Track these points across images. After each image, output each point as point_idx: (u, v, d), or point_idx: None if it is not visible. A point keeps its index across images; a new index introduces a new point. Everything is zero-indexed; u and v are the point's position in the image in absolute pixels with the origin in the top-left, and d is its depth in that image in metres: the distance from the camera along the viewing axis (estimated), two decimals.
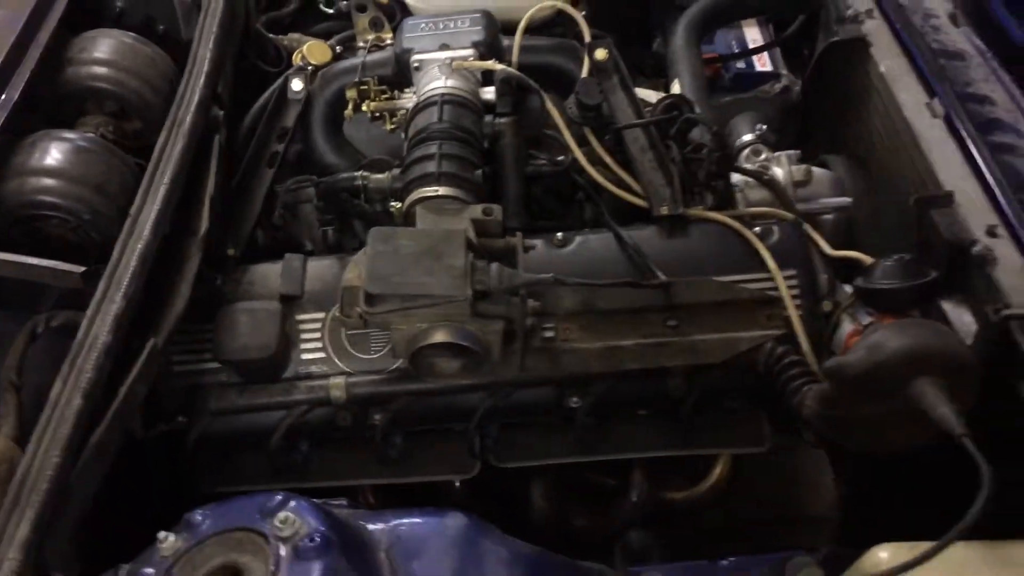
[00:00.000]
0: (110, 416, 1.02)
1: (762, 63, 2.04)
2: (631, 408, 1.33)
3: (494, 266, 1.18)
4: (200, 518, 0.95)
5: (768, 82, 2.02)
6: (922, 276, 1.21)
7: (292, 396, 1.29)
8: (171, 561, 0.91)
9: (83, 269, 1.15)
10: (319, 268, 1.36)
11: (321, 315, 1.32)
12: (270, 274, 1.35)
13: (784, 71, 2.02)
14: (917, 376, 1.08)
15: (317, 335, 1.32)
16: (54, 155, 1.27)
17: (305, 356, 1.31)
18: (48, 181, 1.24)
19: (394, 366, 1.29)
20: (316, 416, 1.30)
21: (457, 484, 1.41)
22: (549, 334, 1.29)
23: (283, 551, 0.90)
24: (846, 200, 1.43)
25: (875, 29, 1.65)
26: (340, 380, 1.28)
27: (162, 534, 0.93)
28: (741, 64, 2.05)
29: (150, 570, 0.91)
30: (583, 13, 1.83)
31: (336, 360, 1.30)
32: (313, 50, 1.62)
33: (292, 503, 0.94)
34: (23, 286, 1.17)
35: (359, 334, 1.30)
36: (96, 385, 1.00)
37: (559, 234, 1.35)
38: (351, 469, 1.36)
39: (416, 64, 1.50)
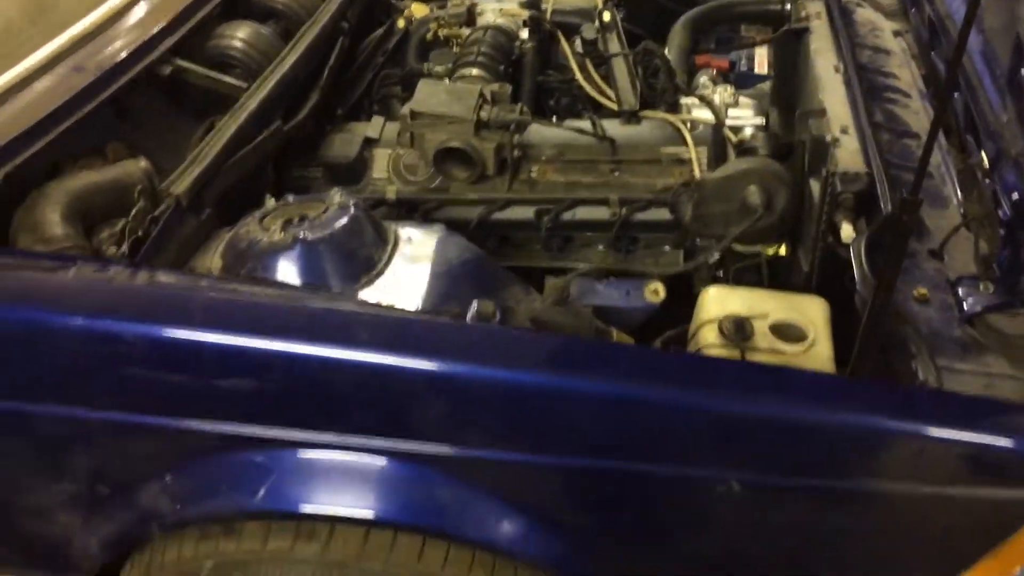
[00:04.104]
0: (246, 150, 1.71)
1: (760, 66, 2.64)
2: (585, 228, 1.90)
3: (495, 108, 1.83)
4: (291, 197, 1.62)
5: (764, 80, 2.61)
6: (780, 142, 1.78)
7: (361, 195, 1.95)
8: (268, 212, 1.58)
9: (246, 84, 1.87)
10: (393, 127, 2.03)
11: (389, 151, 1.99)
12: (361, 127, 2.05)
13: None
14: (748, 184, 1.65)
15: (385, 163, 1.99)
16: (243, 29, 2.03)
17: (375, 175, 1.98)
18: (236, 43, 1.99)
19: (432, 185, 1.94)
20: (377, 213, 1.95)
21: None
22: (533, 173, 1.92)
23: (332, 206, 1.55)
24: (761, 119, 2.00)
25: (818, 26, 2.25)
26: (393, 187, 1.93)
27: (267, 196, 1.60)
28: (744, 67, 2.65)
29: (257, 213, 1.57)
30: (622, 13, 2.52)
31: (394, 178, 1.97)
32: (416, 8, 2.36)
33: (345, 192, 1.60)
34: (209, 95, 1.90)
35: (410, 165, 1.96)
36: (241, 130, 1.70)
37: (554, 117, 1.99)
38: None
39: (479, 12, 2.20)
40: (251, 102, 1.76)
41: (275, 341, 1.23)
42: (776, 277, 1.87)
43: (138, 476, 1.34)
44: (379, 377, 1.22)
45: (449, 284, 1.53)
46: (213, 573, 1.36)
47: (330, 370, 1.23)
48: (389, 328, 1.27)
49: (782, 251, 1.83)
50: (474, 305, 1.34)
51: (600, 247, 1.94)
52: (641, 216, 1.86)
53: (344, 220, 1.51)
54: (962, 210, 1.70)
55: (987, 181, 1.57)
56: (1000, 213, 1.44)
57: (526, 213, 1.91)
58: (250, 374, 1.24)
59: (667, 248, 1.92)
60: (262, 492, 1.29)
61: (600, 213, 1.87)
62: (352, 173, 1.96)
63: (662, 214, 1.86)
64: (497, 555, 1.34)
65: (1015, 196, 1.36)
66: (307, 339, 1.23)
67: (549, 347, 1.30)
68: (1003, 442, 1.19)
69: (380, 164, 1.98)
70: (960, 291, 1.49)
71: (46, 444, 1.34)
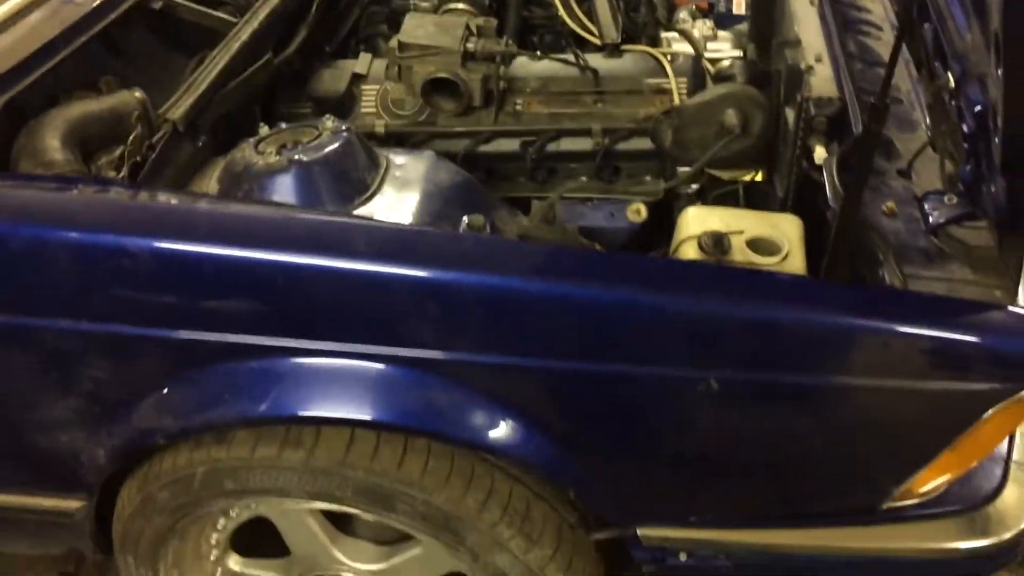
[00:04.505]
0: (238, 80, 1.76)
1: (738, 7, 2.70)
2: (569, 158, 1.97)
3: (481, 40, 1.88)
4: (284, 124, 1.67)
5: (742, 21, 2.67)
6: (757, 70, 1.85)
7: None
8: (263, 138, 1.63)
9: (236, 20, 1.91)
10: (380, 63, 2.08)
11: (377, 86, 2.04)
12: (349, 63, 2.09)
13: None
14: (726, 108, 1.71)
15: (372, 98, 2.03)
16: None
17: (363, 111, 2.03)
18: None
19: (419, 119, 1.99)
20: None
21: None
22: (518, 105, 1.97)
23: (325, 131, 1.60)
24: (738, 52, 2.06)
25: None
26: (382, 121, 1.98)
27: (261, 124, 1.65)
28: (723, 7, 2.70)
29: (252, 140, 1.62)
30: None
31: (382, 113, 2.01)
32: None
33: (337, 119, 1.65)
34: (200, 30, 1.94)
35: (398, 99, 2.01)
36: (233, 61, 1.75)
37: (538, 52, 2.04)
38: None
39: None
40: (242, 33, 1.81)
41: (273, 252, 1.28)
42: (753, 205, 1.93)
43: (142, 387, 1.40)
44: (374, 285, 1.28)
45: (439, 205, 1.59)
46: (205, 479, 1.43)
47: (327, 279, 1.29)
48: (384, 238, 1.33)
49: (758, 177, 1.90)
50: (465, 219, 1.40)
51: (584, 178, 2.00)
52: (623, 146, 1.93)
53: (337, 144, 1.56)
54: (929, 133, 1.77)
55: (953, 102, 1.64)
56: (963, 127, 1.50)
57: (512, 145, 1.97)
58: (249, 285, 1.30)
59: (648, 178, 1.99)
60: (263, 398, 1.35)
61: (583, 144, 1.93)
62: (341, 108, 2.00)
63: (644, 143, 1.92)
64: (476, 463, 1.42)
65: (977, 108, 1.43)
66: (304, 250, 1.29)
67: (537, 254, 1.36)
68: (964, 336, 1.26)
69: (368, 99, 2.03)
70: (926, 205, 1.56)
71: (54, 358, 1.39)
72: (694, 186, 1.93)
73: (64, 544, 1.70)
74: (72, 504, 1.55)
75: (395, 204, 1.56)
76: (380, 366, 1.33)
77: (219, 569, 1.65)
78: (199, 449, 1.41)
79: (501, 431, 1.36)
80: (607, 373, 1.32)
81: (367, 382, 1.35)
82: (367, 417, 1.35)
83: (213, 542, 1.60)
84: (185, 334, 1.34)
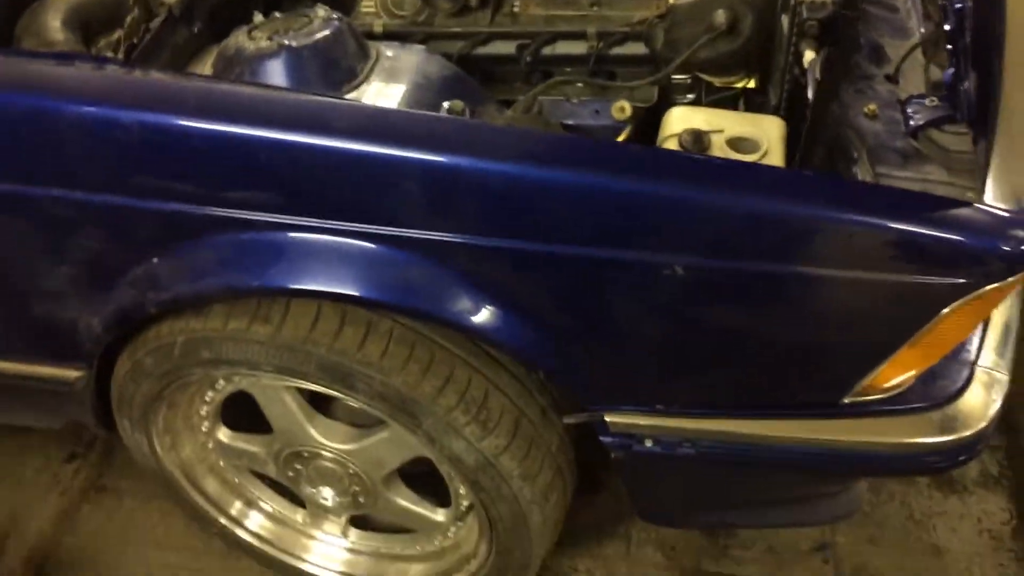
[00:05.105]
0: None
1: None
2: (564, 62, 1.98)
3: None
4: (278, 13, 1.70)
5: None
6: None
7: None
8: (256, 25, 1.66)
9: None
10: None
11: None
12: None
13: None
14: (717, 8, 1.72)
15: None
16: None
17: (363, 10, 2.05)
18: None
19: (418, 19, 2.01)
20: None
21: None
22: (515, 7, 1.99)
23: (316, 19, 1.63)
24: None
25: None
26: (381, 20, 2.01)
27: (255, 13, 1.68)
28: None
29: (245, 27, 1.66)
30: None
31: (381, 12, 2.03)
32: None
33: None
34: None
35: None
36: None
37: None
38: None
39: None
40: None
41: (257, 128, 1.32)
42: None
43: (134, 257, 1.46)
44: (354, 163, 1.32)
45: (428, 95, 1.62)
46: (184, 347, 1.52)
47: (309, 156, 1.32)
48: (366, 116, 1.37)
49: (751, 84, 1.91)
50: (445, 104, 1.43)
51: (579, 85, 2.02)
52: (618, 50, 1.94)
53: (327, 30, 1.60)
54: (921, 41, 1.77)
55: (942, 4, 1.64)
56: (947, 28, 1.51)
57: (508, 48, 1.98)
58: (234, 160, 1.34)
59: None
60: (252, 271, 1.41)
61: (579, 47, 1.95)
62: (340, 7, 2.01)
63: (638, 48, 1.93)
64: (436, 351, 1.48)
65: (957, 6, 1.43)
66: (286, 127, 1.32)
67: (518, 138, 1.39)
68: (928, 230, 1.27)
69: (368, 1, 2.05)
70: (908, 109, 1.57)
71: (50, 226, 1.45)
72: (690, 96, 1.94)
73: (66, 416, 1.79)
74: (71, 373, 1.63)
75: (383, 92, 1.60)
76: (364, 243, 1.37)
77: (210, 440, 1.74)
78: (179, 320, 1.49)
79: (477, 311, 1.41)
80: (580, 256, 1.35)
81: (350, 258, 1.39)
82: (352, 292, 1.40)
83: (203, 414, 1.68)
84: (175, 206, 1.39)
